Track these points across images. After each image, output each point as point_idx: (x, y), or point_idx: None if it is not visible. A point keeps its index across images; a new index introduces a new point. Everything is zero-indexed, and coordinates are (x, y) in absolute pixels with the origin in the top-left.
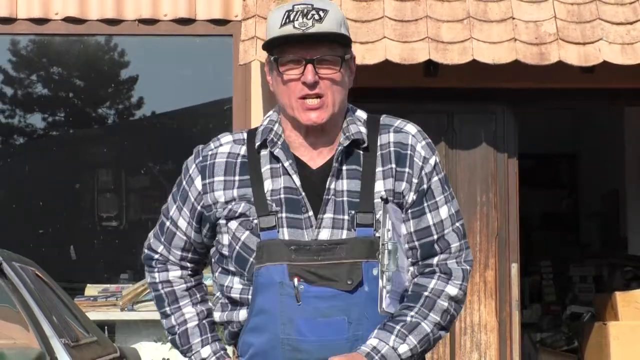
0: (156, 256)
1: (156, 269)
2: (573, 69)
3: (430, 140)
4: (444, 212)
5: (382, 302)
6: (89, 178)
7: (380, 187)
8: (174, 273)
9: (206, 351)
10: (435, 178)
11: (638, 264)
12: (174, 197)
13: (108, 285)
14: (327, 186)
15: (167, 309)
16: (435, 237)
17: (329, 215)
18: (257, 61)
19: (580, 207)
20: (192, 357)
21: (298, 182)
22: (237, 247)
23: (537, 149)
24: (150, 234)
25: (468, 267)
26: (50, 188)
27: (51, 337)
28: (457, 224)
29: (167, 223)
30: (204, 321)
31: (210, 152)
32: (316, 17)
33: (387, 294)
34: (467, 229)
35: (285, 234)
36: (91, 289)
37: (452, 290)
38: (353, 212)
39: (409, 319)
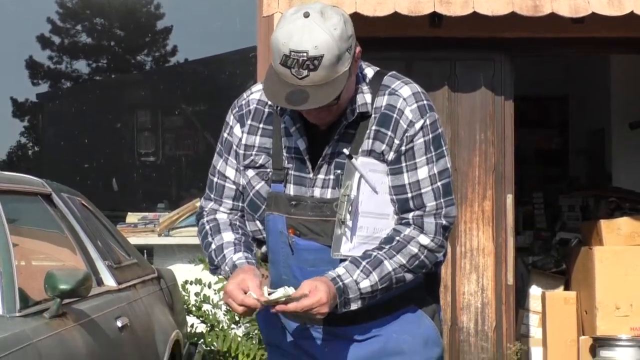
0: (206, 209)
1: (205, 216)
2: (564, 19)
3: (426, 102)
4: (422, 172)
5: (335, 249)
6: (129, 118)
7: (365, 147)
8: (221, 215)
9: (237, 256)
10: (420, 140)
11: (621, 195)
12: (220, 154)
13: (147, 214)
14: (323, 153)
15: (210, 238)
16: (409, 195)
17: (321, 176)
18: (279, 13)
19: (570, 144)
20: (225, 264)
21: (304, 146)
22: (251, 194)
23: (531, 92)
24: (200, 202)
25: (444, 222)
26: (94, 127)
27: (96, 259)
28: (439, 184)
29: (215, 179)
30: (241, 242)
31: (244, 102)
32: (310, 66)
33: (347, 240)
34: (465, 168)
35: (291, 189)
36: (131, 217)
37: (423, 240)
38: (338, 172)
39: (374, 255)
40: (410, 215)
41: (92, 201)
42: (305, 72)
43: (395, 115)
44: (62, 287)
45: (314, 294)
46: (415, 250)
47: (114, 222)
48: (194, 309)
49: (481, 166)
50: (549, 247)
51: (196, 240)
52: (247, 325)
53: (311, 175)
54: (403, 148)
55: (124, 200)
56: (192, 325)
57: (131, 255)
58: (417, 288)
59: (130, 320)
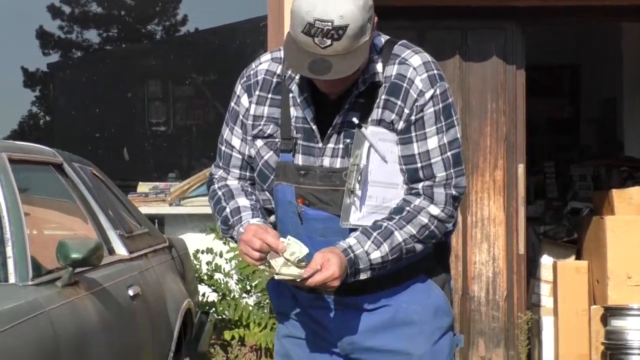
0: (216, 177)
1: (215, 183)
2: None
3: (436, 71)
4: (432, 142)
5: (345, 218)
6: (140, 88)
7: (375, 116)
8: (232, 182)
9: (255, 220)
10: (430, 110)
11: (633, 165)
12: (227, 123)
13: (158, 183)
14: (334, 122)
15: (223, 203)
16: (419, 165)
17: (330, 145)
18: None
19: (581, 113)
20: (240, 225)
21: (311, 115)
22: (260, 164)
23: (543, 61)
24: (210, 169)
25: (454, 192)
26: (105, 97)
27: (107, 228)
28: (449, 154)
29: (223, 148)
30: (257, 208)
31: (252, 72)
32: (335, 36)
33: (356, 210)
34: (477, 137)
35: (299, 159)
36: (143, 186)
37: (434, 210)
38: (348, 141)
39: (385, 226)
40: (420, 185)
41: (103, 171)
42: (328, 42)
43: (405, 85)
44: (74, 256)
45: (326, 267)
46: (426, 220)
47: (125, 191)
48: (205, 277)
49: (492, 135)
50: (561, 217)
51: (207, 210)
52: (259, 294)
53: (320, 144)
54: (413, 118)
55: (135, 170)
56: (203, 294)
57: (142, 225)
58: (427, 258)
59: (141, 289)
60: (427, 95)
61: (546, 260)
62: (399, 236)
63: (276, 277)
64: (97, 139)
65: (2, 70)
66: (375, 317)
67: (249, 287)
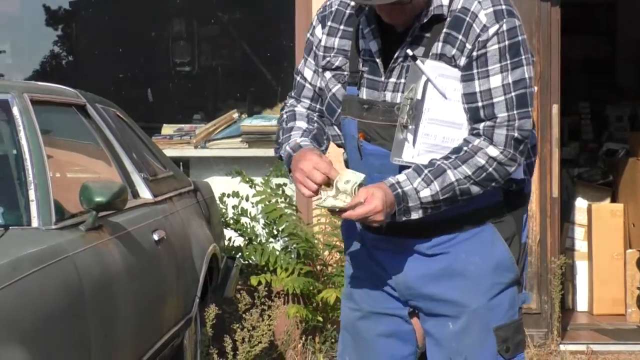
0: (287, 104)
1: (285, 109)
2: None
3: (505, 6)
4: (495, 80)
5: (396, 153)
6: (164, 27)
7: (435, 50)
8: (300, 109)
9: (303, 139)
10: (495, 47)
11: None
12: (303, 53)
13: (182, 125)
14: (395, 55)
15: (284, 124)
16: (480, 104)
17: (392, 79)
18: None
19: (618, 52)
20: (288, 143)
21: (376, 47)
22: (328, 97)
23: None
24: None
25: (516, 135)
26: (128, 36)
27: (132, 172)
28: (513, 94)
29: (298, 78)
30: (311, 132)
31: (328, 2)
32: None
33: (410, 146)
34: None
35: (364, 93)
36: (167, 129)
37: (492, 151)
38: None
39: (437, 164)
40: (481, 125)
41: (127, 112)
42: None
43: (467, 19)
44: (98, 199)
45: (369, 201)
46: (483, 162)
47: (149, 133)
48: (231, 222)
49: None
50: (596, 159)
51: (233, 153)
52: (286, 238)
53: (383, 78)
54: (475, 54)
55: (159, 112)
56: (229, 239)
57: (167, 168)
58: (496, 206)
59: (166, 233)
60: (491, 30)
61: (580, 204)
62: (452, 175)
63: (320, 205)
64: (120, 79)
65: (23, 8)
66: (433, 264)
67: (275, 232)
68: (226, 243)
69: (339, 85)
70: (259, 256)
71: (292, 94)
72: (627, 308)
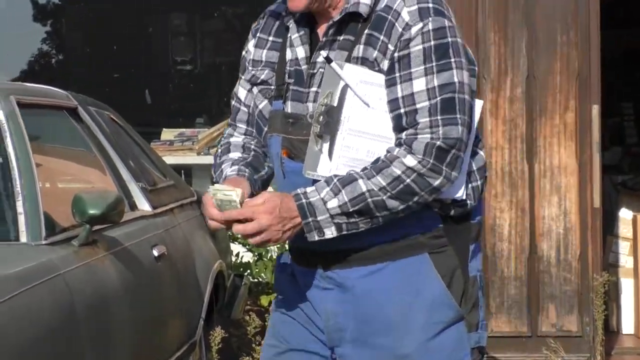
0: (225, 135)
1: (221, 143)
2: None
3: (432, 5)
4: (418, 84)
5: (310, 166)
6: (162, 22)
7: (356, 54)
8: (236, 137)
9: (232, 169)
10: (418, 47)
11: None
12: (239, 74)
13: (184, 130)
14: (312, 60)
15: (218, 159)
16: (402, 110)
17: (314, 88)
18: None
19: None
20: (222, 178)
21: (303, 54)
22: (256, 116)
23: None
24: None
25: (439, 143)
26: (123, 32)
27: (128, 181)
28: (438, 99)
29: (233, 102)
30: (245, 160)
31: (262, 15)
32: None
33: (326, 159)
34: (544, 76)
35: (289, 106)
36: (167, 133)
37: (410, 160)
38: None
39: (350, 173)
40: (404, 134)
41: (123, 115)
42: None
43: (390, 17)
44: (92, 211)
45: (256, 217)
46: (398, 172)
47: (147, 139)
48: (239, 236)
49: (563, 73)
50: None
51: None
52: None
53: (308, 89)
54: (397, 55)
55: (158, 115)
56: (237, 255)
57: (167, 176)
58: (432, 234)
59: (167, 248)
60: (414, 29)
61: (625, 214)
62: (363, 185)
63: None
64: (115, 79)
65: (8, 2)
66: (364, 303)
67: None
68: (233, 259)
69: (266, 101)
70: (270, 274)
71: (229, 121)
72: None
